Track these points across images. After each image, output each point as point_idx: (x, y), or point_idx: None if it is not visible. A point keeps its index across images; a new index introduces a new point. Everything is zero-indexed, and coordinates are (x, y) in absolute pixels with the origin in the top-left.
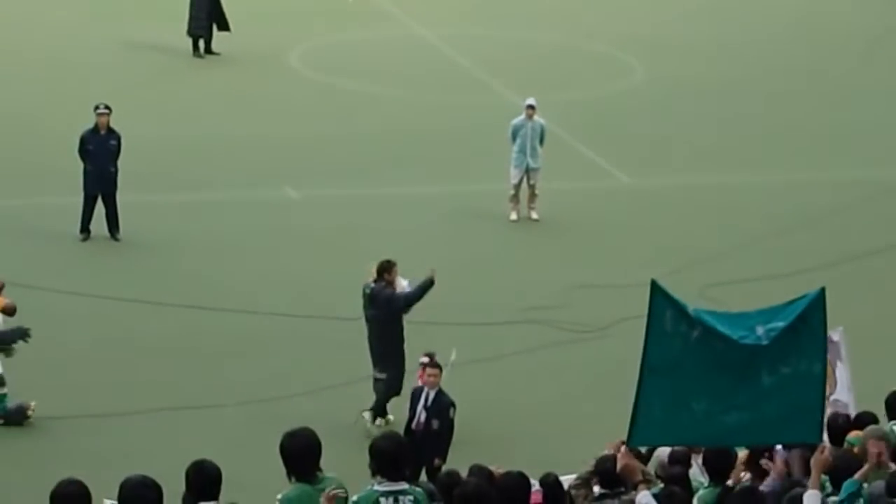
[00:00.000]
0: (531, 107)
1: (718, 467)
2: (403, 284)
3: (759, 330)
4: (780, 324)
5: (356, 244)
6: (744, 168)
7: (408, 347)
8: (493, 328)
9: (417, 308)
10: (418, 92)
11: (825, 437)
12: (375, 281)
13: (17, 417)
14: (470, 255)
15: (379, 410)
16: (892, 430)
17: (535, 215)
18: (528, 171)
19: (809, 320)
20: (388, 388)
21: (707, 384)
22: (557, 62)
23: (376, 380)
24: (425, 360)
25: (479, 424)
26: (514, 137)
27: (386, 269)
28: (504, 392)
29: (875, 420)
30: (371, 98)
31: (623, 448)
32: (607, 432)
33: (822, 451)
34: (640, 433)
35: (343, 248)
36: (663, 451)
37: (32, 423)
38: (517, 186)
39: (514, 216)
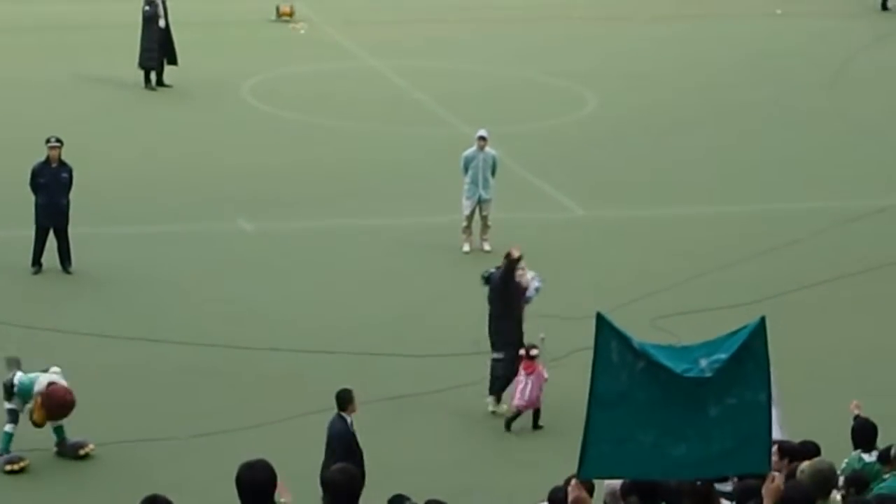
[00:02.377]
0: (483, 138)
1: (647, 489)
2: (528, 277)
3: (703, 363)
4: (723, 355)
5: (309, 276)
6: (696, 200)
7: (361, 381)
8: (448, 359)
9: (371, 338)
10: (370, 123)
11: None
12: (497, 267)
13: (71, 451)
14: (423, 286)
15: (495, 390)
16: (860, 459)
17: (487, 246)
18: (480, 203)
19: (752, 350)
20: (505, 369)
21: (654, 416)
22: (510, 94)
23: (494, 360)
24: (536, 352)
25: (435, 455)
26: (465, 169)
27: (514, 261)
28: (459, 423)
29: (818, 449)
30: (323, 130)
31: (573, 481)
32: (561, 464)
33: (773, 480)
34: (590, 465)
35: (296, 280)
36: (615, 481)
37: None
38: (469, 218)
39: (466, 247)
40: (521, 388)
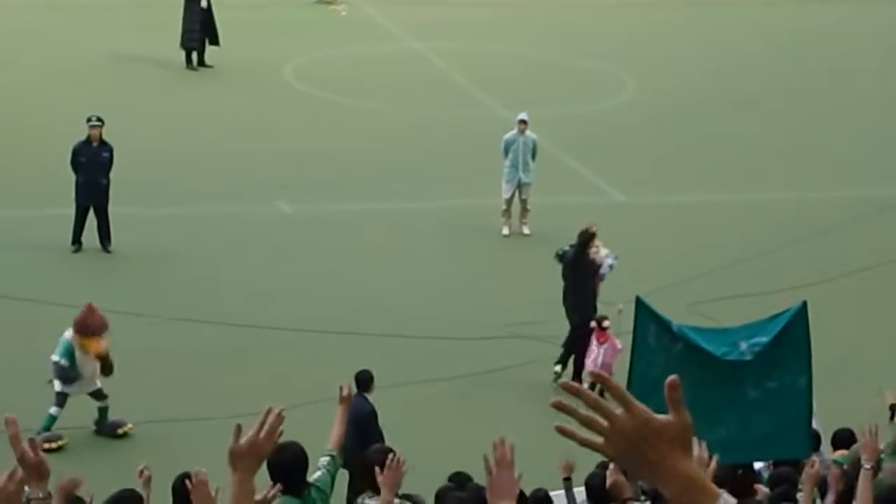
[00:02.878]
0: (523, 121)
1: None
2: (602, 254)
3: (743, 345)
4: (764, 339)
5: (348, 258)
6: (734, 186)
7: (398, 363)
8: (485, 342)
9: (408, 320)
10: (411, 106)
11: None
12: (571, 245)
13: (109, 430)
14: (462, 269)
15: (563, 360)
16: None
17: (526, 230)
18: (519, 186)
19: (792, 334)
20: (573, 343)
21: (692, 399)
22: (551, 78)
23: (570, 333)
24: (608, 323)
25: (469, 438)
26: (505, 152)
27: (589, 238)
28: (494, 406)
29: (853, 436)
30: (364, 112)
31: (612, 465)
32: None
33: (812, 466)
34: None
35: (333, 262)
36: None
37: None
38: (509, 201)
39: (505, 231)
40: (593, 358)
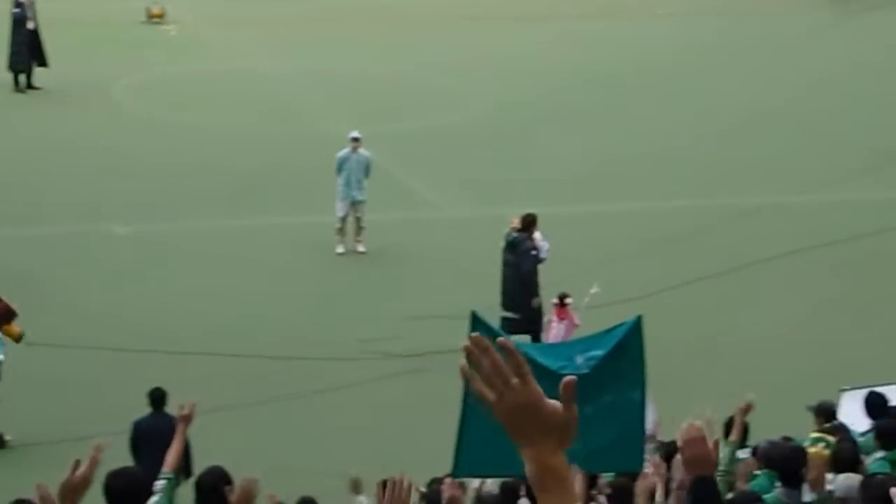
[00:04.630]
0: (355, 139)
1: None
2: (537, 237)
3: (579, 359)
4: (599, 352)
5: (180, 278)
6: (579, 198)
7: (234, 384)
8: (325, 361)
9: (248, 340)
10: (245, 124)
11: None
12: (518, 231)
13: None
14: (298, 288)
15: None
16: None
17: (361, 248)
18: (353, 204)
19: (628, 348)
20: (511, 328)
21: None
22: (391, 93)
23: (505, 319)
24: (570, 300)
25: (317, 457)
26: (339, 170)
27: (532, 223)
28: (339, 425)
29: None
30: (197, 130)
31: (448, 479)
32: (441, 463)
33: (645, 478)
34: (464, 464)
35: (168, 283)
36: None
37: None
38: (343, 219)
39: (340, 249)
40: (553, 334)
